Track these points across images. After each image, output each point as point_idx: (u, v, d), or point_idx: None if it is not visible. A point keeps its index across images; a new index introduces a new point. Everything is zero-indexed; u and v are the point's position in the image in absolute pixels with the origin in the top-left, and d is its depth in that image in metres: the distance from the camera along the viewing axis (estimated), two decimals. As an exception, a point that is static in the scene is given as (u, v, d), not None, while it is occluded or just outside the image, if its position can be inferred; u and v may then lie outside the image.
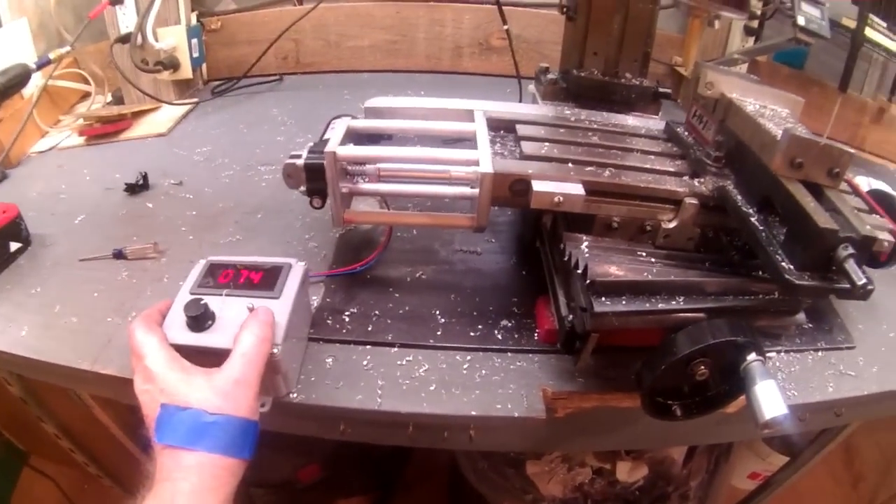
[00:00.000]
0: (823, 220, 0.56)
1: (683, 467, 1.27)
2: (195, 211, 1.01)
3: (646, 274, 0.63)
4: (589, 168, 0.69)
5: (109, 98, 1.44)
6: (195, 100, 1.41)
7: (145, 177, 1.08)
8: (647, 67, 0.95)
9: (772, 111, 0.74)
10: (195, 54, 1.38)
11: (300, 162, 0.73)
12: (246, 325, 0.60)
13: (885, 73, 1.79)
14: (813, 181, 0.64)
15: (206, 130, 1.29)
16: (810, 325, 0.84)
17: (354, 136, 0.77)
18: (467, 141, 0.74)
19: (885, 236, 0.77)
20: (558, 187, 0.65)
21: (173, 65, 1.34)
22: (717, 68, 0.78)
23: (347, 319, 0.78)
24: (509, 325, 0.77)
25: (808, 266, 0.58)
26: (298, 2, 1.49)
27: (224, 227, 0.97)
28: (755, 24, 1.43)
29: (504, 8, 1.12)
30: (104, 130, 1.28)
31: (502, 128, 0.79)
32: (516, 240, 0.94)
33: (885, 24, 1.53)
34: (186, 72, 1.37)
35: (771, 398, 0.56)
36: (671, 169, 0.74)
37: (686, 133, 0.81)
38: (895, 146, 1.90)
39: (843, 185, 0.82)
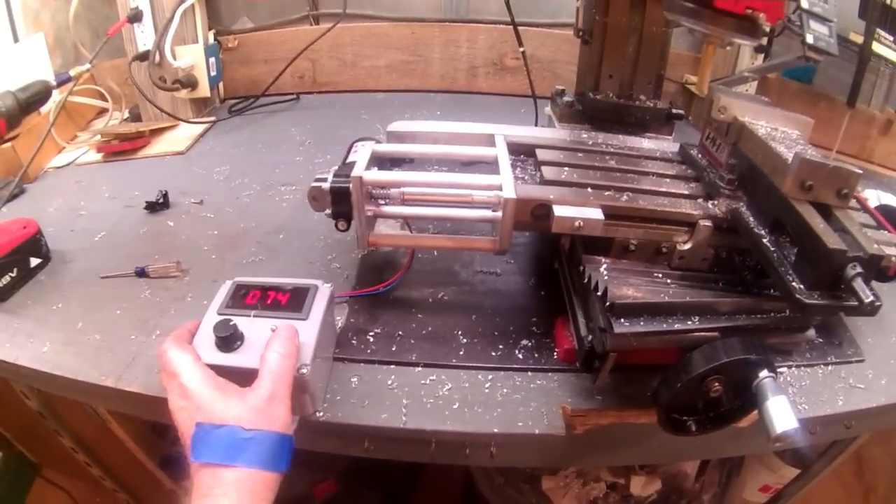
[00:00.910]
0: (832, 241, 0.59)
1: (696, 481, 1.29)
2: (216, 230, 1.03)
3: (662, 295, 0.65)
4: (607, 192, 0.71)
5: (126, 115, 1.47)
6: (213, 118, 1.43)
7: (165, 195, 1.11)
8: (661, 89, 0.98)
9: (783, 133, 0.78)
10: (213, 73, 1.41)
11: (326, 185, 0.76)
12: (270, 344, 0.62)
13: (893, 85, 1.82)
14: (822, 202, 0.66)
15: (224, 149, 1.32)
16: (820, 340, 0.86)
17: (377, 160, 0.80)
18: (484, 164, 0.77)
19: (892, 252, 0.79)
20: (578, 212, 0.67)
21: (191, 83, 1.37)
22: (730, 92, 0.81)
23: (372, 340, 0.81)
24: (529, 344, 0.80)
25: (818, 285, 0.60)
26: (315, 21, 1.52)
27: (246, 247, 0.99)
28: (764, 41, 1.46)
29: (518, 28, 1.15)
30: (122, 147, 1.31)
31: (522, 152, 0.82)
32: (535, 261, 0.96)
33: (891, 38, 1.55)
34: (204, 90, 1.40)
35: (782, 413, 0.59)
36: (685, 192, 0.76)
37: (699, 155, 0.83)
38: (897, 157, 1.93)
39: (853, 202, 0.85)
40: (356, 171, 0.72)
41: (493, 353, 0.79)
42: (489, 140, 0.82)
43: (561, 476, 1.20)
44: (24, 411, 1.19)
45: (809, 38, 1.21)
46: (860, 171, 0.68)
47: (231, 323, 0.65)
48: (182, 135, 1.37)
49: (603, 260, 0.71)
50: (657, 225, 0.72)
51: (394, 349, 0.79)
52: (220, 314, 0.68)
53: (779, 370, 0.80)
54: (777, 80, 1.72)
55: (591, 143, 0.86)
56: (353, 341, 0.80)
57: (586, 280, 0.69)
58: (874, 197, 1.57)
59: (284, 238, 1.01)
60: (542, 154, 0.79)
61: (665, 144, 0.90)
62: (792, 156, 0.65)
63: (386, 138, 0.86)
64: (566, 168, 0.76)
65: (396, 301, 0.87)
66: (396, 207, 0.76)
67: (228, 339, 0.64)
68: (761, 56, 1.51)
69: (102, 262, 0.95)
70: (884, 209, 1.00)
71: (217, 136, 1.39)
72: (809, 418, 0.77)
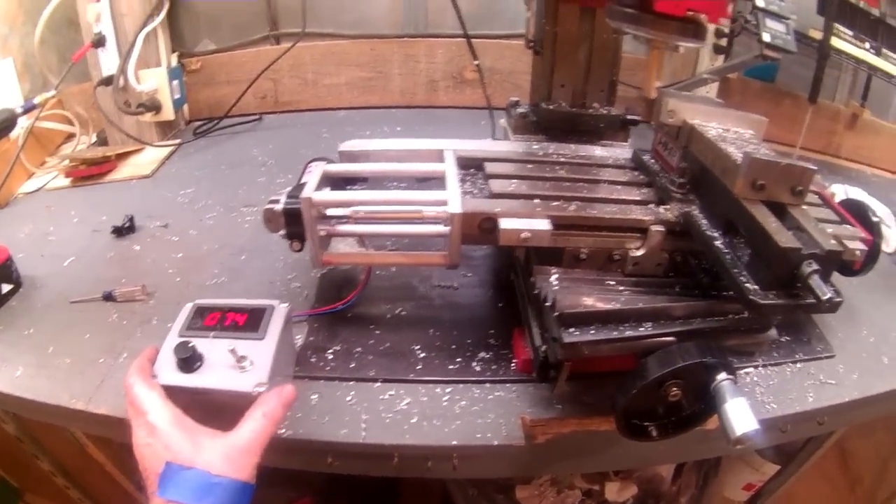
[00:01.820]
0: (785, 239, 0.59)
1: (673, 484, 1.29)
2: (181, 253, 1.04)
3: (613, 303, 0.66)
4: (555, 203, 0.72)
5: (94, 139, 1.47)
6: (178, 141, 1.44)
7: (132, 219, 1.11)
8: (615, 96, 0.99)
9: (735, 134, 0.77)
10: (176, 96, 1.41)
11: (278, 207, 0.76)
12: (263, 401, 0.63)
13: (857, 79, 1.84)
14: (776, 200, 0.67)
15: (189, 172, 1.32)
16: (788, 339, 0.87)
17: (332, 180, 0.80)
18: (438, 180, 0.77)
19: (856, 245, 0.80)
20: (525, 223, 0.68)
21: (155, 107, 1.38)
22: (680, 95, 0.82)
23: (331, 357, 0.81)
24: (487, 356, 0.80)
25: (774, 284, 0.60)
26: (276, 41, 1.53)
27: (209, 269, 0.99)
28: (724, 42, 1.47)
29: (476, 41, 1.15)
30: (90, 172, 1.31)
31: (472, 166, 0.83)
32: (492, 273, 0.97)
33: (851, 33, 1.57)
34: (168, 113, 1.40)
35: (741, 415, 0.59)
36: (637, 198, 0.77)
37: (652, 160, 0.84)
38: (870, 150, 1.94)
39: (814, 198, 0.86)
40: (306, 193, 0.72)
41: (451, 367, 0.79)
42: (439, 156, 0.82)
43: (535, 485, 1.20)
44: (2, 436, 1.19)
45: (766, 37, 1.21)
46: (814, 168, 0.68)
47: (190, 345, 0.66)
48: (148, 158, 1.37)
49: (554, 270, 0.71)
50: (608, 233, 0.72)
51: (352, 366, 0.80)
52: (181, 336, 0.69)
53: (745, 370, 0.82)
54: (739, 80, 1.74)
55: (541, 153, 0.87)
56: (313, 359, 0.81)
57: (536, 291, 0.69)
58: (841, 192, 1.59)
59: (246, 259, 1.02)
60: (490, 167, 0.80)
61: (618, 151, 0.91)
62: (742, 156, 0.66)
63: (339, 157, 0.85)
64: (514, 180, 0.77)
65: (355, 318, 0.88)
66: (349, 226, 0.77)
67: (188, 361, 0.65)
68: (721, 57, 1.52)
69: (71, 286, 0.96)
70: (848, 203, 1.00)
71: (182, 159, 1.39)
72: (778, 417, 0.77)
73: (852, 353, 0.86)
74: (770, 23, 1.23)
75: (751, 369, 0.83)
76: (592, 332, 0.63)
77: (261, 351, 0.68)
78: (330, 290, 0.91)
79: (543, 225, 0.68)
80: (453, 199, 0.69)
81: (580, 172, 0.81)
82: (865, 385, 0.81)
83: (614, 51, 0.94)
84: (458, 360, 0.80)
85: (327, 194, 0.75)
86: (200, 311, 0.73)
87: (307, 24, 1.44)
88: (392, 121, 1.59)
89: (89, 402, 0.76)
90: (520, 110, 0.97)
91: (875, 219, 0.92)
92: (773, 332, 0.72)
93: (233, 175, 1.30)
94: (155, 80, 1.37)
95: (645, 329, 0.65)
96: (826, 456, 1.25)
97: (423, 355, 0.81)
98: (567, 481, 1.21)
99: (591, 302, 0.65)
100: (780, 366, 0.84)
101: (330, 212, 0.76)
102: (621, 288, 0.71)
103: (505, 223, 0.68)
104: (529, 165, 0.81)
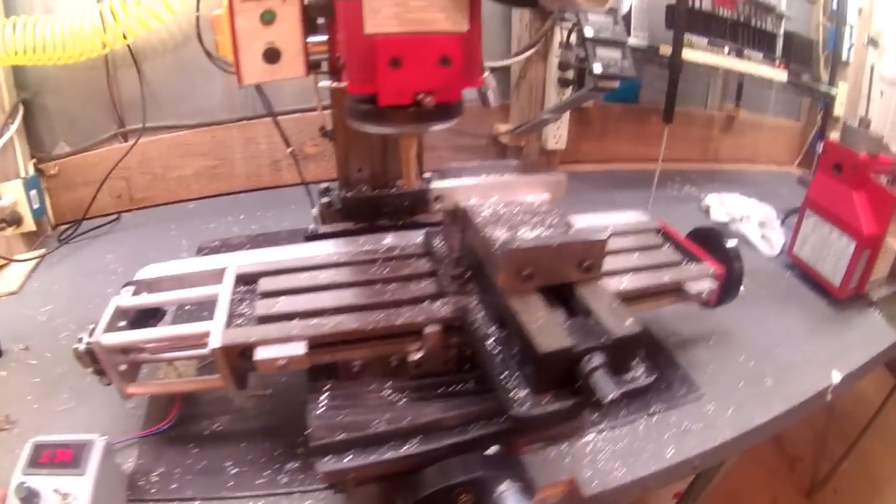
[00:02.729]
0: (550, 340, 0.57)
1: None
2: (38, 377, 1.04)
3: (377, 423, 0.67)
4: (314, 320, 0.72)
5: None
6: (42, 251, 1.43)
7: (-1, 343, 1.11)
8: (422, 168, 0.98)
9: (519, 207, 0.76)
10: (35, 205, 1.42)
11: (81, 348, 0.77)
12: None
13: (728, 82, 1.87)
14: (559, 283, 0.65)
15: (49, 286, 1.33)
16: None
17: (125, 313, 0.82)
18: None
19: (701, 287, 0.79)
20: (280, 350, 0.68)
21: (16, 220, 1.38)
22: (457, 170, 0.80)
23: (156, 479, 0.83)
24: (295, 466, 0.81)
25: (548, 386, 0.59)
26: (124, 138, 1.53)
27: (60, 394, 1.00)
28: (568, 74, 1.47)
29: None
30: (-39, 292, 1.31)
31: (253, 281, 0.83)
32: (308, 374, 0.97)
33: (705, 41, 1.59)
34: (29, 225, 1.41)
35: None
36: (416, 294, 0.77)
37: (442, 243, 0.84)
38: (749, 149, 2.00)
39: (656, 239, 0.85)
40: (95, 336, 0.75)
41: (259, 481, 0.80)
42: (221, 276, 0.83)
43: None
44: None
45: (597, 68, 1.22)
46: (604, 238, 0.66)
47: (25, 485, 0.69)
48: (16, 272, 1.37)
49: (326, 387, 0.72)
50: (376, 341, 0.72)
51: (173, 487, 0.81)
52: (24, 474, 0.72)
53: (585, 440, 0.81)
54: (598, 107, 1.76)
55: (321, 254, 0.86)
56: (141, 482, 0.82)
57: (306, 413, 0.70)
58: (716, 202, 1.62)
59: (91, 381, 1.01)
60: (264, 284, 0.80)
61: (412, 235, 0.90)
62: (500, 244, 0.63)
63: (136, 287, 0.86)
64: (281, 298, 0.77)
65: (177, 437, 0.89)
66: (148, 355, 0.80)
67: (25, 501, 0.68)
68: (568, 89, 1.52)
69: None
70: (699, 233, 1.00)
71: (46, 270, 1.39)
72: (629, 483, 0.76)
73: (727, 386, 0.85)
74: (602, 51, 1.22)
75: (592, 435, 0.82)
76: (350, 457, 0.64)
77: (82, 486, 0.71)
78: (160, 409, 0.92)
79: (298, 349, 0.69)
80: (215, 331, 0.71)
81: (359, 273, 0.81)
82: (742, 420, 0.80)
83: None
84: (267, 472, 0.81)
85: (116, 336, 0.77)
86: (37, 449, 0.75)
87: (150, 118, 1.46)
88: (239, 207, 1.59)
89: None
90: (324, 199, 0.97)
91: (730, 244, 0.93)
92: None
93: (87, 286, 1.30)
94: (13, 194, 1.37)
95: (410, 446, 0.66)
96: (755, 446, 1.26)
97: (234, 471, 0.82)
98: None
99: (347, 430, 0.65)
100: (633, 423, 0.83)
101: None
102: (398, 397, 0.71)
103: (260, 353, 0.68)
104: (304, 275, 0.82)
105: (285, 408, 0.92)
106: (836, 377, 1.00)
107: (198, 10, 0.97)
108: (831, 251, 1.23)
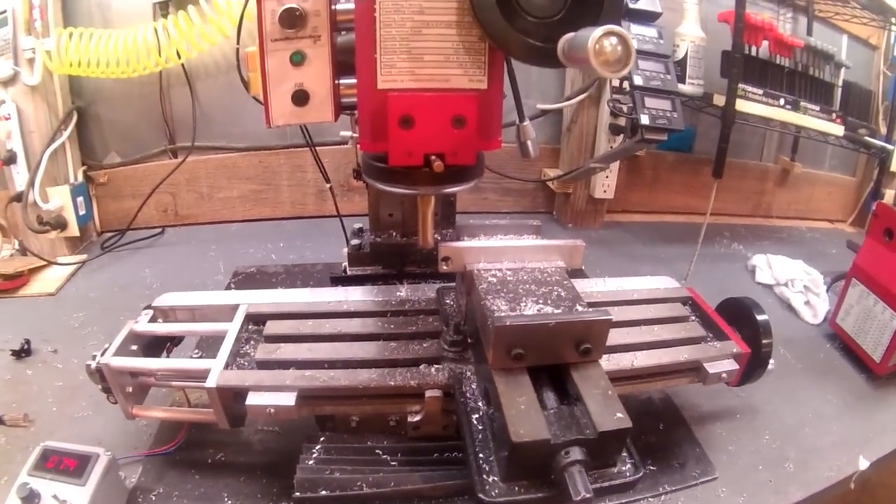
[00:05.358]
0: (524, 430, 0.56)
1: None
2: (62, 381, 1.10)
3: (359, 484, 0.67)
4: (308, 372, 0.73)
5: (17, 246, 1.54)
6: (83, 256, 1.50)
7: (29, 343, 1.18)
8: (454, 219, 0.98)
9: (529, 275, 0.74)
10: (81, 212, 1.49)
11: (93, 366, 0.81)
12: None
13: (784, 133, 1.81)
14: (556, 363, 0.63)
15: (86, 291, 1.40)
16: (653, 468, 0.83)
17: (139, 337, 0.86)
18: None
19: (721, 368, 0.78)
20: (271, 398, 0.71)
21: (61, 224, 1.45)
22: (470, 228, 0.79)
23: (154, 499, 0.86)
24: (288, 508, 0.84)
25: (521, 474, 0.57)
26: (173, 155, 1.60)
27: (79, 401, 1.05)
28: (621, 122, 1.46)
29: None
30: (3, 287, 1.39)
31: (262, 321, 0.85)
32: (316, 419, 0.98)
33: (760, 92, 1.55)
34: (73, 230, 1.48)
35: None
36: (415, 356, 0.76)
37: (454, 302, 0.84)
38: (806, 204, 1.93)
39: (682, 310, 0.81)
40: (105, 358, 0.80)
41: (253, 518, 0.83)
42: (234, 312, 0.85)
43: None
44: None
45: (644, 119, 1.18)
46: (608, 318, 0.63)
47: (28, 486, 0.74)
48: (55, 275, 1.44)
49: (321, 438, 0.72)
50: (370, 399, 0.73)
51: (170, 510, 0.85)
52: (29, 475, 0.77)
53: None
54: (650, 155, 1.73)
55: (332, 301, 0.87)
56: (140, 499, 0.86)
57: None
58: (763, 263, 1.57)
59: (108, 393, 1.05)
60: (270, 327, 0.83)
61: (430, 288, 0.90)
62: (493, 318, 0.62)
63: (154, 312, 0.89)
64: (281, 345, 0.79)
65: (182, 461, 0.93)
66: (155, 381, 0.83)
67: (26, 501, 0.73)
68: (619, 137, 1.51)
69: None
70: (728, 304, 0.95)
71: (85, 276, 1.46)
72: None
73: (743, 469, 0.82)
74: (650, 101, 1.18)
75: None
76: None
77: (80, 497, 0.75)
78: (168, 431, 0.97)
79: (289, 400, 0.70)
80: (214, 371, 0.74)
81: (365, 325, 0.82)
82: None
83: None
84: (262, 510, 0.83)
85: (124, 360, 0.81)
86: (46, 453, 0.80)
87: (201, 137, 1.53)
88: (282, 234, 1.64)
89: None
90: (354, 241, 0.99)
91: (761, 317, 0.89)
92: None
93: (121, 298, 1.36)
94: (60, 199, 1.46)
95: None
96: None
97: (229, 502, 0.84)
98: None
99: (324, 493, 0.67)
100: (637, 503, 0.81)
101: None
102: (388, 458, 0.72)
103: (252, 398, 0.71)
104: (310, 322, 0.83)
105: (290, 446, 0.92)
106: (864, 464, 0.96)
107: (238, 42, 0.98)
108: (874, 324, 1.18)
